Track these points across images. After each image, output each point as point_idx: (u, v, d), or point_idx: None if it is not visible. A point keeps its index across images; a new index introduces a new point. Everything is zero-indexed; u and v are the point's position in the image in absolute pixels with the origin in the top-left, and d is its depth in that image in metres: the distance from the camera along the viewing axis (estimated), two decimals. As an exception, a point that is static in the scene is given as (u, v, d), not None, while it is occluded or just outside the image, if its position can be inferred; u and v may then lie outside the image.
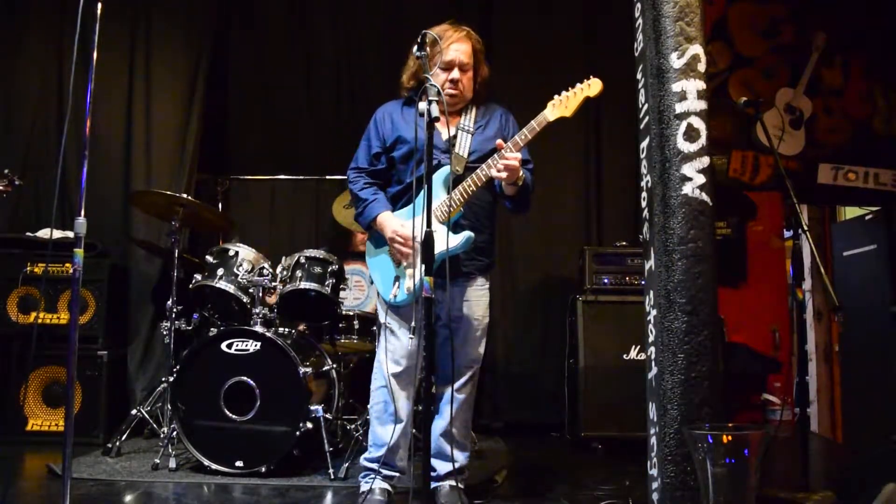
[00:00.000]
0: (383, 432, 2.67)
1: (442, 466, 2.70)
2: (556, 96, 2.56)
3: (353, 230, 4.23)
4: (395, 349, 2.69)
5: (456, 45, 2.64)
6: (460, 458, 2.70)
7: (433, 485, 2.65)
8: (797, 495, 2.59)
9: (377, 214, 2.68)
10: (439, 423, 2.71)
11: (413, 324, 2.54)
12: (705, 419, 1.97)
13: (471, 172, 2.58)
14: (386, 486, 2.68)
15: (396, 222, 2.64)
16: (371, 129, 2.78)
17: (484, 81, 2.75)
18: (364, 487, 2.68)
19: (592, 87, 2.56)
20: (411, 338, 2.54)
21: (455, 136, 2.67)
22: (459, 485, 2.68)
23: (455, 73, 2.64)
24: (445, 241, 2.47)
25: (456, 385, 2.68)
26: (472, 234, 2.55)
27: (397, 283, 2.65)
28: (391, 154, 2.73)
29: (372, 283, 3.00)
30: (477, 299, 2.73)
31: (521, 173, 2.56)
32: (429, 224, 2.12)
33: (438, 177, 2.60)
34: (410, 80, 2.75)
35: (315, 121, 4.79)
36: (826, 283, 2.60)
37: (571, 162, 4.68)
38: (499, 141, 2.53)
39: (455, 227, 2.55)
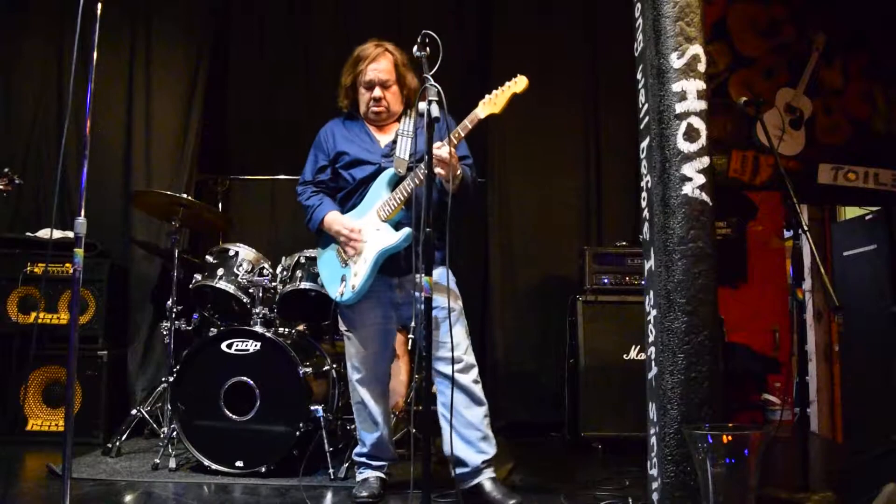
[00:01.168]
0: (365, 431, 2.87)
1: (473, 458, 2.64)
2: (486, 95, 2.64)
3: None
4: (351, 356, 2.84)
5: (373, 65, 2.78)
6: (489, 449, 2.69)
7: (473, 481, 2.64)
8: (797, 495, 2.59)
9: (325, 215, 2.81)
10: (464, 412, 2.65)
11: (413, 323, 2.56)
12: (705, 419, 1.97)
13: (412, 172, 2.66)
14: (380, 474, 2.85)
15: (343, 218, 2.77)
16: (315, 146, 2.95)
17: (413, 89, 2.84)
18: (359, 478, 2.86)
19: (519, 83, 2.64)
20: (411, 337, 2.54)
21: (395, 142, 2.79)
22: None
23: (377, 92, 2.79)
24: (386, 238, 2.64)
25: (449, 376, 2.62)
26: (410, 230, 2.61)
27: (343, 283, 2.74)
28: (335, 165, 2.86)
29: None
30: (443, 286, 2.66)
31: (458, 170, 2.62)
32: (428, 224, 2.12)
33: (383, 178, 2.74)
34: (344, 100, 2.93)
35: (315, 121, 4.76)
36: (826, 283, 2.60)
37: (571, 162, 4.68)
38: (436, 143, 2.53)
39: (397, 226, 2.67)
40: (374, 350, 2.81)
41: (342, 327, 2.86)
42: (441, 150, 2.52)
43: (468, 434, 2.66)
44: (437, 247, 2.76)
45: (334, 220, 2.78)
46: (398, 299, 2.76)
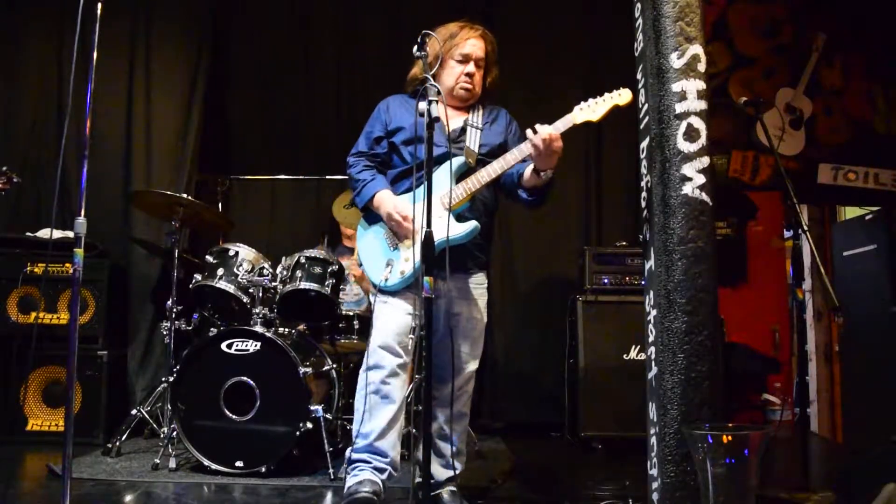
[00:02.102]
0: (372, 418, 2.51)
1: (440, 472, 2.63)
2: (583, 102, 2.57)
3: (352, 230, 4.22)
4: (388, 330, 2.54)
5: (473, 41, 2.67)
6: (458, 465, 2.63)
7: (433, 491, 2.57)
8: (797, 495, 2.59)
9: (376, 192, 2.64)
10: (434, 426, 2.61)
11: (413, 323, 2.53)
12: (705, 419, 1.97)
13: (482, 166, 2.56)
14: (375, 478, 2.48)
15: (394, 200, 2.60)
16: (373, 117, 2.78)
17: (493, 82, 2.76)
18: (350, 482, 2.47)
19: (623, 96, 2.57)
20: (411, 337, 2.52)
21: (464, 131, 2.66)
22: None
23: (471, 67, 2.67)
24: (447, 228, 2.37)
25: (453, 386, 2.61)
26: (477, 224, 2.51)
27: (389, 267, 2.59)
28: (391, 139, 2.71)
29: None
30: (476, 297, 2.70)
31: (553, 163, 2.54)
32: (429, 224, 2.11)
33: (448, 165, 2.53)
34: (414, 82, 2.74)
35: (315, 121, 4.79)
36: (826, 283, 2.60)
37: (571, 162, 4.67)
38: (536, 126, 2.48)
39: (458, 218, 2.52)
40: (410, 326, 2.58)
41: (377, 303, 2.63)
42: (540, 134, 2.43)
43: (442, 446, 2.63)
44: (484, 249, 2.73)
45: (385, 200, 2.60)
46: (438, 293, 2.50)
